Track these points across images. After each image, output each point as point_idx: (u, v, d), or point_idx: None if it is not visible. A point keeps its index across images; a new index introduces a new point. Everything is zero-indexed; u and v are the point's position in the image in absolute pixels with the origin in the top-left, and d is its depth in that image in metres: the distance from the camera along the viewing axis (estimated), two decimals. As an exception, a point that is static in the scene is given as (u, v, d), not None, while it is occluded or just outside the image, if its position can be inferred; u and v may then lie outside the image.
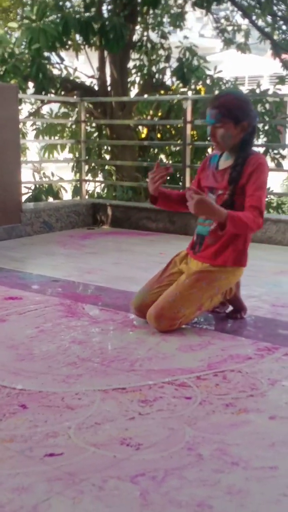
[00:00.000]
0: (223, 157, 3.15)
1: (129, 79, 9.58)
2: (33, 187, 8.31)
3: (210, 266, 3.07)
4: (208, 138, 3.10)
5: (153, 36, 9.73)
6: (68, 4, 8.55)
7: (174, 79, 9.15)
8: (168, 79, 9.60)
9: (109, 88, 9.04)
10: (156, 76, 9.45)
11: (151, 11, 9.25)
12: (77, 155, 8.64)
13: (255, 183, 2.96)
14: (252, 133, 3.06)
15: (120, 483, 1.73)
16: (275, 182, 12.73)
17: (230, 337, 2.95)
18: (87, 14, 7.80)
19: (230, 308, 3.32)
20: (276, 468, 1.81)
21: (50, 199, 7.82)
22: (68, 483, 1.73)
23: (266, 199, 8.59)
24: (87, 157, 8.10)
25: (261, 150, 8.56)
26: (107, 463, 1.84)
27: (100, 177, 8.68)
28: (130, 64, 9.61)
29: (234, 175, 3.01)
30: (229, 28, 11.18)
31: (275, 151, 8.59)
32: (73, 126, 9.49)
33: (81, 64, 11.13)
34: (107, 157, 9.61)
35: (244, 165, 3.00)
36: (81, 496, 1.67)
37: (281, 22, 10.47)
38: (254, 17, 9.88)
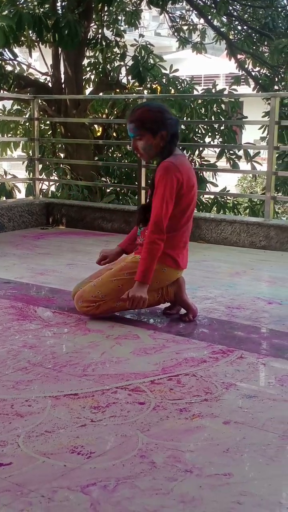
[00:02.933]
0: None
1: (84, 77, 9.49)
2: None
3: (138, 257, 3.19)
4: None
5: (108, 34, 9.66)
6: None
7: (129, 77, 9.10)
8: (123, 77, 9.54)
9: (63, 86, 8.94)
10: (111, 74, 9.39)
11: (106, 9, 9.17)
12: (30, 153, 8.51)
13: (155, 194, 3.11)
14: (171, 140, 3.17)
15: (70, 494, 1.68)
16: (230, 182, 12.82)
17: (185, 340, 2.92)
18: (41, 10, 7.67)
19: (183, 310, 3.30)
20: (230, 474, 1.78)
21: (3, 198, 7.67)
22: (16, 495, 1.67)
23: (222, 199, 8.65)
24: (40, 156, 7.98)
25: (217, 150, 8.60)
26: (57, 472, 1.78)
27: (54, 176, 8.57)
28: (85, 62, 9.52)
29: (150, 183, 3.25)
30: (185, 28, 11.19)
31: (231, 152, 8.62)
32: (27, 124, 9.36)
33: (35, 61, 10.99)
34: (62, 155, 9.51)
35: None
36: (29, 508, 1.61)
37: (237, 22, 10.53)
38: (209, 17, 9.90)
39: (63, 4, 8.59)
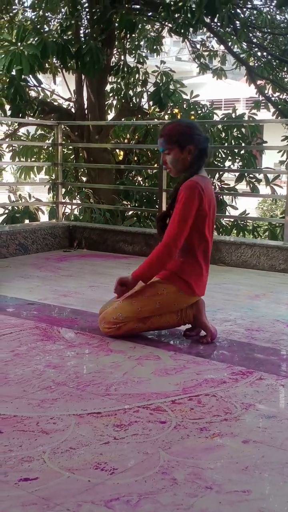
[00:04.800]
0: None
1: (106, 103, 9.66)
2: (9, 209, 8.31)
3: (158, 280, 3.28)
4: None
5: (130, 60, 9.85)
6: (46, 27, 8.64)
7: (151, 103, 9.25)
8: (145, 103, 9.70)
9: (86, 111, 9.11)
10: (133, 100, 9.55)
11: (128, 36, 9.37)
12: (53, 177, 8.68)
13: (176, 209, 3.18)
14: (200, 155, 3.23)
15: (94, 508, 1.74)
16: (250, 205, 12.88)
17: (205, 361, 2.98)
18: (64, 38, 7.88)
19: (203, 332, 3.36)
20: (249, 491, 1.83)
21: (26, 221, 7.82)
22: (42, 508, 1.73)
23: (242, 222, 8.71)
24: (63, 180, 8.13)
25: (237, 174, 8.68)
26: (82, 487, 1.84)
27: (77, 200, 8.71)
28: (107, 88, 9.70)
29: (171, 199, 3.31)
30: (206, 54, 11.36)
31: (251, 176, 8.70)
32: (50, 149, 9.53)
33: (57, 86, 11.20)
34: (84, 179, 9.66)
35: (182, 184, 3.22)
36: (55, 522, 1.68)
37: (256, 49, 10.66)
38: (230, 43, 10.05)
39: (87, 31, 8.79)
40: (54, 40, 7.53)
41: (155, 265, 3.20)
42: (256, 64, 10.75)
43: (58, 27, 8.35)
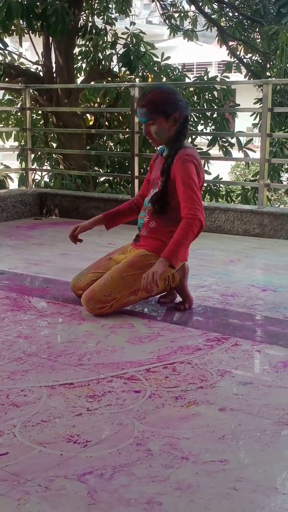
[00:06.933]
0: (165, 151, 3.24)
1: (75, 66, 9.43)
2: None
3: (145, 251, 3.15)
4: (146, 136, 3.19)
5: (99, 22, 9.59)
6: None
7: (121, 66, 9.05)
8: (115, 66, 9.49)
9: (54, 75, 8.89)
10: (103, 63, 9.33)
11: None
12: (22, 143, 8.48)
13: (181, 179, 3.03)
14: (184, 123, 3.14)
15: (67, 482, 1.68)
16: (223, 170, 12.80)
17: (179, 328, 2.93)
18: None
19: (178, 299, 3.30)
20: (226, 461, 1.79)
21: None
22: (13, 484, 1.67)
23: (215, 187, 8.65)
24: (33, 146, 7.95)
25: (209, 138, 8.58)
26: (54, 461, 1.78)
27: (47, 166, 8.54)
28: (76, 51, 9.46)
29: (165, 166, 3.11)
30: (176, 15, 11.13)
31: (223, 139, 8.60)
32: (18, 114, 9.31)
33: (26, 51, 10.92)
34: (54, 145, 9.48)
35: (175, 156, 3.08)
36: (26, 497, 1.62)
37: (227, 9, 10.47)
38: (200, 4, 9.84)
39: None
40: (19, 0, 7.27)
41: (190, 239, 2.99)
42: (227, 25, 10.57)
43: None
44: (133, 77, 8.99)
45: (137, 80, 8.93)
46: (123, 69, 9.12)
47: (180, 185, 3.02)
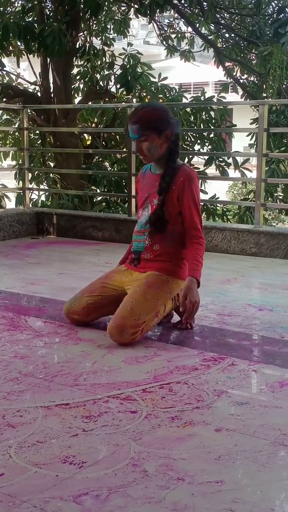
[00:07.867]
0: (152, 168, 3.26)
1: (73, 86, 9.50)
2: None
3: (155, 272, 3.12)
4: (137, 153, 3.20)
5: (97, 43, 9.68)
6: (9, 9, 8.44)
7: (118, 86, 9.11)
8: (112, 86, 9.56)
9: (52, 95, 8.95)
10: (100, 83, 9.41)
11: (93, 17, 9.19)
12: (20, 162, 8.52)
13: (192, 200, 3.09)
14: (176, 140, 3.14)
15: (62, 504, 1.67)
16: (221, 189, 12.85)
17: (176, 348, 2.93)
18: (27, 19, 7.69)
19: (175, 319, 3.29)
20: (222, 482, 1.78)
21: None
22: (8, 505, 1.66)
23: (211, 207, 8.67)
24: (31, 165, 7.98)
25: (206, 157, 8.62)
26: (49, 483, 1.78)
27: (44, 186, 8.57)
28: (74, 71, 9.54)
29: (163, 185, 3.12)
30: (173, 36, 11.23)
31: (220, 159, 8.65)
32: (16, 134, 9.36)
33: (24, 71, 11.00)
34: (51, 164, 9.52)
35: (173, 175, 3.10)
36: (22, 520, 1.61)
37: (224, 30, 10.56)
38: (197, 25, 9.93)
39: (51, 14, 8.60)
40: (17, 22, 7.34)
41: (202, 260, 3.10)
42: (224, 46, 10.65)
43: (20, 9, 8.15)
44: (130, 97, 9.06)
45: (134, 100, 9.00)
46: (120, 89, 9.18)
47: (190, 205, 3.09)
